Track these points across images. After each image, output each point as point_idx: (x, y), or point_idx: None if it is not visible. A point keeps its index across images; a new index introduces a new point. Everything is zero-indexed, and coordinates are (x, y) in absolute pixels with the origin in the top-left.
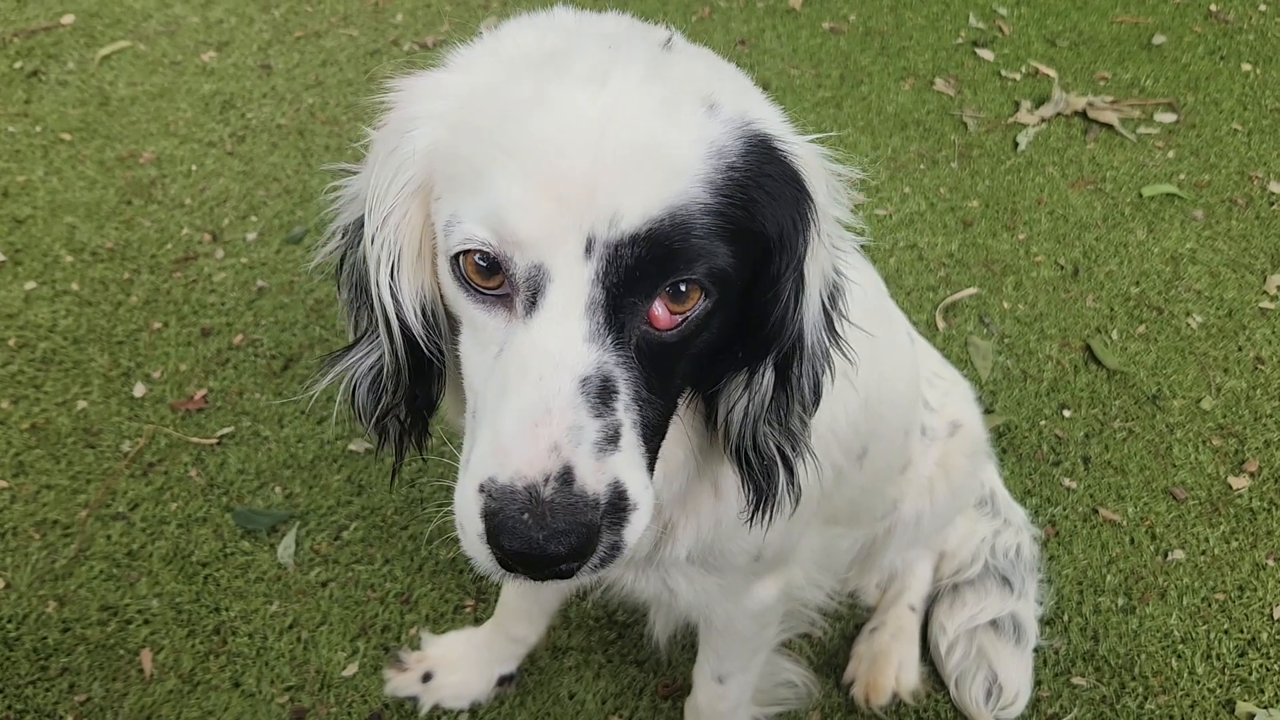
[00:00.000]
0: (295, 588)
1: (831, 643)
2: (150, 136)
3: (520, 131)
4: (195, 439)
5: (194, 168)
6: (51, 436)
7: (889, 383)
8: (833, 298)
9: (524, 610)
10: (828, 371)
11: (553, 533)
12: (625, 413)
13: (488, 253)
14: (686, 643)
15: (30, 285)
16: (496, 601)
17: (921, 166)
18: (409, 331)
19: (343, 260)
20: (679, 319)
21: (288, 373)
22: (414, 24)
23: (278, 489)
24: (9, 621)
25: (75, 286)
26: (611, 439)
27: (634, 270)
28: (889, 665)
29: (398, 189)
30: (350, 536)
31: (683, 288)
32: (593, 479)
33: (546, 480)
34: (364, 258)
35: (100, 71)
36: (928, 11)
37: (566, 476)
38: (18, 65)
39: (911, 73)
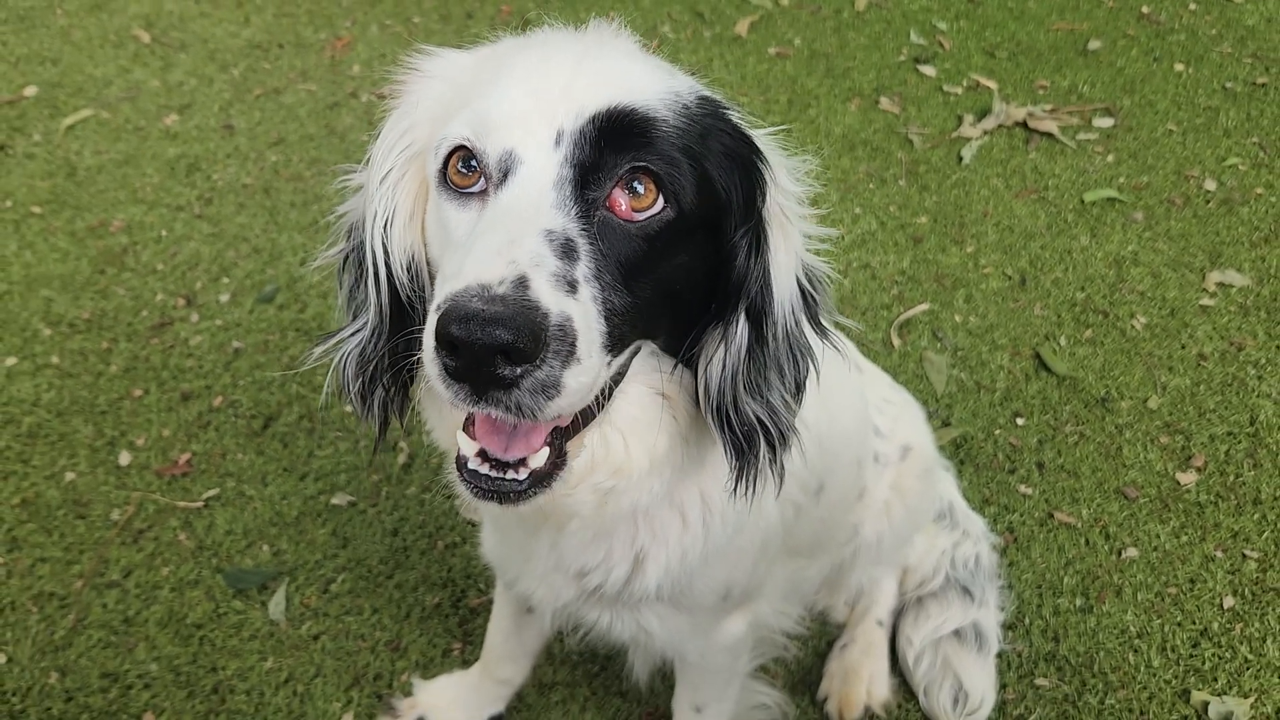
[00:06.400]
0: (288, 643)
1: (805, 661)
2: (119, 204)
3: (510, 63)
4: (182, 503)
5: (164, 233)
6: (42, 510)
7: (839, 418)
8: (811, 282)
9: (508, 652)
10: (811, 359)
11: (497, 316)
12: (585, 284)
13: (466, 147)
14: (668, 671)
15: (11, 361)
16: (483, 644)
17: (871, 186)
18: (395, 285)
19: (346, 260)
20: (638, 215)
21: (268, 431)
22: (371, 75)
23: (265, 547)
24: (13, 695)
25: (56, 359)
26: (569, 286)
27: (598, 144)
28: (860, 680)
29: (399, 150)
30: (338, 589)
31: (639, 187)
32: (547, 295)
33: (501, 282)
34: (363, 219)
35: (66, 142)
36: (870, 31)
37: (521, 283)
38: None
39: (857, 93)
